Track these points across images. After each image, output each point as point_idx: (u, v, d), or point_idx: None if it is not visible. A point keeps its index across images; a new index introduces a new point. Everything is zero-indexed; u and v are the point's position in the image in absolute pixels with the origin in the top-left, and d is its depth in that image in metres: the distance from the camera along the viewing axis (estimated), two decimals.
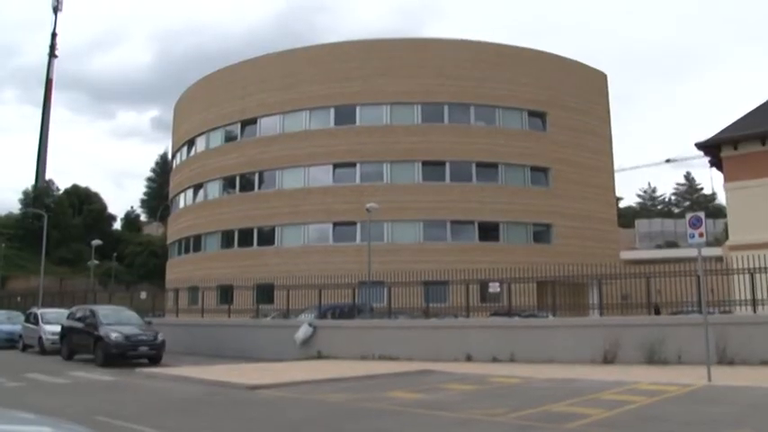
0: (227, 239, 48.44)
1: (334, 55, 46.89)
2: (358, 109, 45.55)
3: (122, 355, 21.11)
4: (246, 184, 48.82)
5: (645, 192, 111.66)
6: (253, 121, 48.65)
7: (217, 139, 51.18)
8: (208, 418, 11.18)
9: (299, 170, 45.93)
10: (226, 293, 32.01)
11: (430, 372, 17.86)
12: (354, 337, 23.53)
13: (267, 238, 46.28)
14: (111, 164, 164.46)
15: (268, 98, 47.34)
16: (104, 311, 23.48)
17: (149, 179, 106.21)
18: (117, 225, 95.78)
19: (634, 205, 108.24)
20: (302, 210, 44.71)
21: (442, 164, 44.76)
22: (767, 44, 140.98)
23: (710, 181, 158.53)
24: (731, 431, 8.67)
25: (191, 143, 54.21)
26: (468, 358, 20.93)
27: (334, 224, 44.39)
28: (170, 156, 68.31)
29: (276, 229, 45.94)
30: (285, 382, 15.50)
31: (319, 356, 23.52)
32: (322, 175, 45.56)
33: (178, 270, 51.30)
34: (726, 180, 29.16)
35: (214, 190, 50.82)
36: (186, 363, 21.34)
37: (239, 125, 49.44)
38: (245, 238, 47.18)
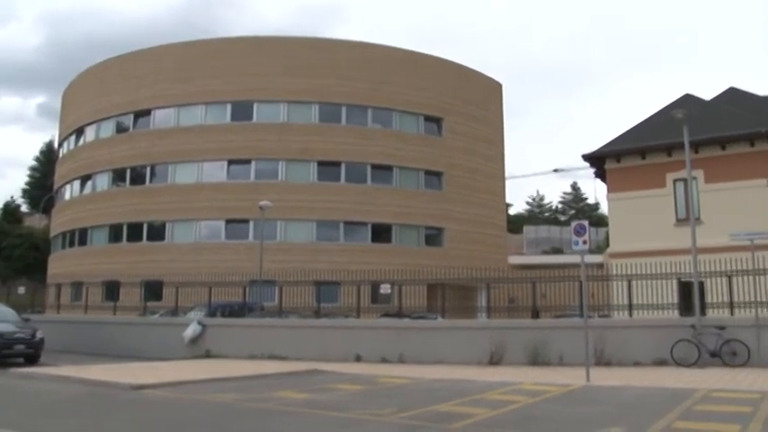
0: (115, 234, 46.82)
1: (234, 50, 46.22)
2: (255, 106, 45.09)
3: None
4: (137, 178, 47.33)
5: (533, 199, 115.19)
6: (146, 113, 47.24)
7: (108, 129, 49.31)
8: (88, 419, 10.85)
9: (193, 165, 45.02)
10: (112, 290, 31.01)
11: (319, 372, 17.96)
12: (244, 336, 23.35)
13: (157, 233, 45.08)
14: None
15: (163, 90, 46.12)
16: None
17: (33, 168, 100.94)
18: None
19: (523, 212, 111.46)
20: (194, 205, 43.83)
21: (338, 164, 44.94)
22: (650, 65, 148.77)
23: (595, 191, 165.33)
24: (606, 429, 9.12)
25: (79, 132, 52.04)
26: (358, 359, 21.16)
27: (227, 221, 43.78)
28: (56, 145, 65.25)
29: (167, 224, 44.84)
30: (171, 381, 15.21)
31: (208, 355, 23.21)
32: (216, 171, 44.82)
33: (61, 264, 49.23)
34: (609, 191, 30.66)
35: (103, 182, 48.94)
36: (67, 362, 20.48)
37: (132, 116, 47.87)
38: (135, 232, 45.76)
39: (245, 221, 42.63)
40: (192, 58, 46.24)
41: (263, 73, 44.86)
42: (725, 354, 17.51)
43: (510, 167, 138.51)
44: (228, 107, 45.31)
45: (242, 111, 45.06)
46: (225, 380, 15.98)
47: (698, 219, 24.68)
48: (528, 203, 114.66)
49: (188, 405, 12.22)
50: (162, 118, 46.66)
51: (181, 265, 35.58)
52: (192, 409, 11.83)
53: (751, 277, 18.61)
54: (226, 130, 44.85)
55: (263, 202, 29.92)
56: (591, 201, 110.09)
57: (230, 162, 44.80)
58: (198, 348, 23.71)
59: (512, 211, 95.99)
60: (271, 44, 46.48)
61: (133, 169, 47.35)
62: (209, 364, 20.73)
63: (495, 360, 19.59)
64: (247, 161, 44.63)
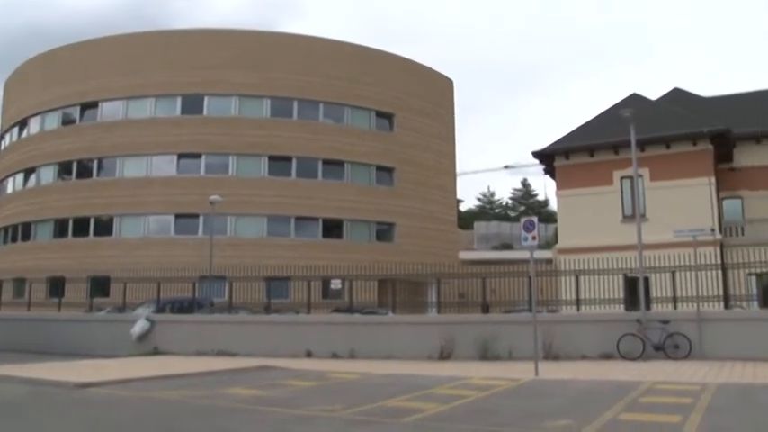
0: (60, 228, 45.71)
1: (185, 42, 45.55)
2: (206, 99, 44.54)
3: None
4: (84, 171, 46.27)
5: (484, 195, 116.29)
6: (93, 105, 46.19)
7: (53, 121, 48.05)
8: (30, 420, 10.56)
9: (142, 159, 44.26)
10: (57, 286, 30.31)
11: (269, 368, 17.86)
12: (193, 333, 23.09)
13: (104, 228, 44.18)
14: None
15: (111, 82, 45.16)
16: None
17: None
18: None
19: (473, 208, 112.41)
20: (143, 200, 43.10)
21: (289, 159, 44.71)
22: (600, 65, 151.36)
23: (545, 188, 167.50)
24: (553, 422, 9.26)
25: (23, 124, 50.59)
26: (309, 354, 21.10)
27: (177, 216, 43.14)
28: None
29: (114, 219, 43.97)
30: (118, 379, 14.95)
31: (156, 352, 22.89)
32: (165, 165, 44.14)
33: (3, 260, 47.70)
34: (558, 187, 31.17)
35: (48, 175, 47.70)
36: (8, 360, 19.87)
37: (78, 108, 46.79)
38: (81, 227, 44.74)
39: (195, 216, 42.11)
40: (142, 50, 45.42)
41: (214, 66, 44.31)
42: (668, 347, 17.94)
43: (461, 164, 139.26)
44: (178, 100, 44.65)
45: (192, 104, 44.45)
46: (173, 377, 15.77)
47: (643, 216, 25.23)
48: (479, 200, 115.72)
49: (135, 403, 12.03)
50: (110, 110, 45.70)
51: (129, 261, 34.98)
52: (140, 407, 11.64)
53: (693, 273, 19.11)
54: (175, 124, 44.21)
55: (213, 197, 29.65)
56: (541, 197, 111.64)
57: (180, 156, 44.16)
58: (146, 345, 23.36)
59: (463, 207, 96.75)
60: (223, 37, 45.94)
61: (80, 162, 46.31)
62: (158, 360, 20.45)
63: (445, 355, 19.73)
64: (197, 155, 44.06)
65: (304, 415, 10.31)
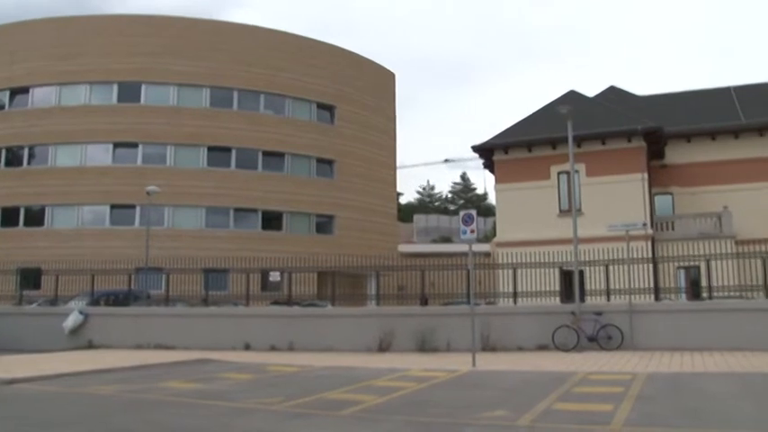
0: None
1: (121, 28, 44.48)
2: (144, 87, 43.69)
3: None
4: (14, 159, 44.86)
5: (424, 189, 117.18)
6: (24, 91, 44.81)
7: None
8: None
9: (76, 147, 43.17)
10: None
11: (207, 361, 17.69)
12: (129, 326, 22.69)
13: (36, 218, 42.95)
14: None
15: (42, 67, 43.85)
16: None
17: None
18: None
19: (413, 201, 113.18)
20: (77, 190, 42.07)
21: (229, 150, 44.25)
22: (539, 61, 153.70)
23: (484, 182, 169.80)
24: (489, 412, 9.39)
25: None
26: (247, 347, 20.97)
27: (112, 206, 42.29)
28: None
29: (46, 209, 42.79)
30: (49, 374, 14.50)
31: (91, 346, 22.42)
32: (100, 154, 43.16)
33: None
34: (496, 182, 31.56)
35: None
36: None
37: (8, 93, 45.31)
38: (10, 217, 43.36)
39: (132, 207, 41.36)
40: (75, 34, 44.21)
41: (153, 53, 43.47)
42: (601, 338, 18.40)
43: (401, 157, 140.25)
44: (115, 87, 43.69)
45: (129, 92, 43.55)
46: (108, 371, 15.45)
47: (579, 210, 25.79)
48: (419, 193, 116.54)
49: (67, 399, 11.67)
50: (41, 96, 44.43)
51: (62, 252, 34.07)
52: (73, 403, 11.31)
53: (626, 266, 19.62)
54: (112, 112, 43.23)
55: (150, 188, 29.14)
56: (480, 191, 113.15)
57: (116, 145, 43.26)
58: (79, 339, 22.84)
59: (402, 200, 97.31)
60: (162, 24, 45.05)
61: (9, 150, 44.86)
62: (92, 354, 20.03)
63: (384, 347, 19.83)
64: (134, 144, 43.22)
65: (242, 408, 10.25)
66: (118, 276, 25.03)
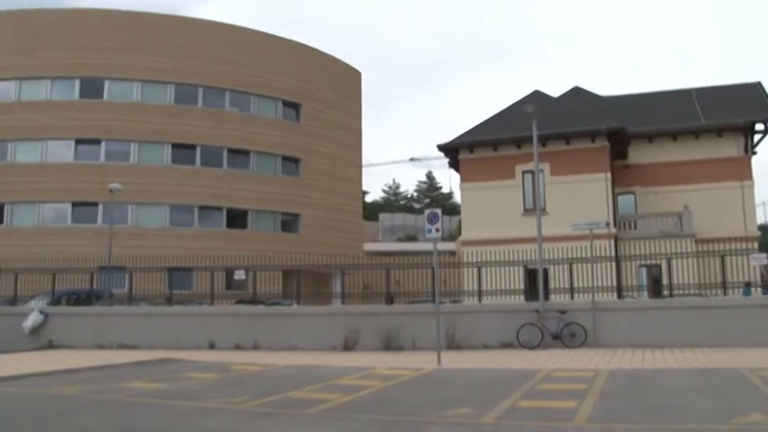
0: None
1: (84, 22, 43.79)
2: (106, 83, 43.08)
3: None
4: None
5: (389, 187, 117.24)
6: None
7: None
8: None
9: (36, 143, 42.40)
10: None
11: (171, 360, 17.54)
12: (91, 325, 22.38)
13: None
14: None
15: (1, 61, 42.97)
16: None
17: None
18: None
19: (379, 200, 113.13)
20: (37, 187, 41.32)
21: (193, 147, 43.88)
22: (504, 61, 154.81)
23: (449, 181, 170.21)
24: (455, 410, 9.44)
25: None
26: (212, 346, 20.83)
27: (74, 204, 41.65)
28: None
29: (6, 206, 41.93)
30: (7, 375, 14.22)
31: (51, 346, 22.08)
32: (62, 151, 42.45)
33: None
34: (462, 180, 31.77)
35: None
36: None
37: None
38: None
39: (94, 204, 40.80)
40: (35, 28, 43.38)
41: (116, 49, 42.87)
42: (565, 336, 18.61)
43: (367, 155, 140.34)
44: (77, 83, 43.02)
45: (92, 87, 42.91)
46: (70, 371, 15.21)
47: (543, 209, 26.02)
48: (384, 191, 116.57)
49: (27, 400, 11.49)
50: (1, 91, 43.45)
51: (22, 251, 33.51)
52: (32, 404, 11.13)
53: (589, 264, 19.86)
54: (73, 108, 42.56)
55: (112, 185, 28.80)
56: (445, 190, 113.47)
57: (78, 141, 42.61)
58: (40, 339, 22.48)
59: (368, 199, 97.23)
60: (125, 19, 44.40)
61: None
62: (53, 355, 19.73)
63: (349, 346, 19.83)
64: (97, 141, 42.61)
65: (207, 407, 10.18)
66: (80, 275, 24.67)
